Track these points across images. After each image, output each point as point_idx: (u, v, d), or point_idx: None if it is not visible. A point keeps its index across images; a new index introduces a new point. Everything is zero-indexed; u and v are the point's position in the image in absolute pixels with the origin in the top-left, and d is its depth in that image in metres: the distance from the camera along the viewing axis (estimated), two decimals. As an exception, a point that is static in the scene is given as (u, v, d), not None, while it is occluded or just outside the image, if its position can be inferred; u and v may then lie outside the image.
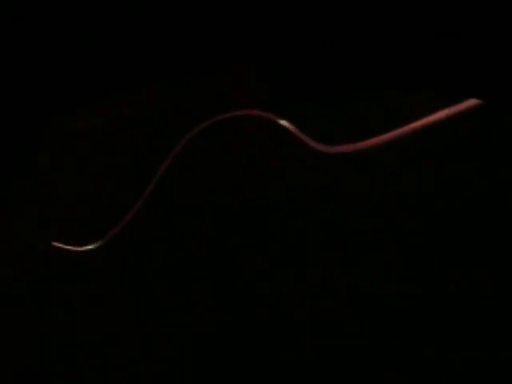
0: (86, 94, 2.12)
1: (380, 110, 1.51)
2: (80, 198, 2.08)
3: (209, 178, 1.83)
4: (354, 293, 1.44)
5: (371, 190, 1.48)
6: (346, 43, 1.55)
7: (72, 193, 2.11)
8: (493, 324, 1.25)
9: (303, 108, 1.68)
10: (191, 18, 1.91)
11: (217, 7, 1.86)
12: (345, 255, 1.49)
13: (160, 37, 1.99)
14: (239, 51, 1.85)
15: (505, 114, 1.26)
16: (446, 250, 1.35)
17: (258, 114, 1.72)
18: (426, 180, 1.41)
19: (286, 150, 1.68)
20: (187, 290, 1.74)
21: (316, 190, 1.58)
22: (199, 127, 1.82)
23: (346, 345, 1.39)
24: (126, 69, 2.07)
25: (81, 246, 2.00)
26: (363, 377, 1.35)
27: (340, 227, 1.52)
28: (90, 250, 1.96)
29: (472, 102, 1.26)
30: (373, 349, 1.36)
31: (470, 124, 1.30)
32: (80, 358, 1.77)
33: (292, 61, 1.71)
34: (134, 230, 1.92)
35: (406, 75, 1.44)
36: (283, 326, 1.51)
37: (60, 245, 2.05)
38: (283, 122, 1.65)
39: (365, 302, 1.42)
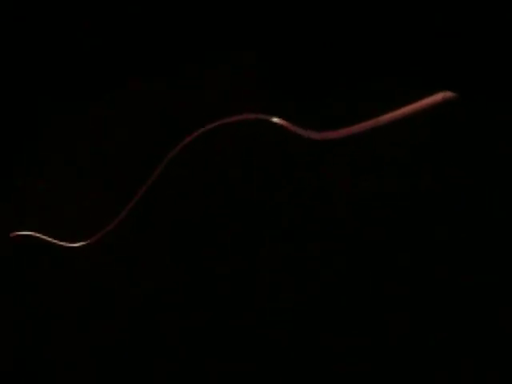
0: (86, 94, 2.13)
1: (366, 98, 1.51)
2: (79, 199, 2.08)
3: (204, 180, 1.83)
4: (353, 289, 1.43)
5: (365, 183, 1.48)
6: (332, 38, 1.55)
7: (71, 193, 2.12)
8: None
9: (292, 102, 1.68)
10: (189, 14, 1.91)
11: (216, 6, 1.86)
12: (343, 251, 1.48)
13: (160, 37, 2.00)
14: (238, 50, 1.85)
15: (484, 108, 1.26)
16: (442, 248, 1.34)
17: (250, 117, 1.72)
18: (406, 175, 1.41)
19: (279, 145, 1.68)
20: (178, 289, 1.73)
21: (312, 182, 1.58)
22: (184, 142, 1.83)
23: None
24: (126, 69, 2.08)
25: (74, 242, 2.00)
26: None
27: (338, 223, 1.51)
28: (82, 246, 1.97)
29: (448, 94, 1.26)
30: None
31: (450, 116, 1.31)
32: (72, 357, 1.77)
33: (282, 56, 1.71)
34: (127, 230, 1.93)
35: (394, 66, 1.44)
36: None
37: (54, 240, 2.06)
38: (275, 119, 1.66)
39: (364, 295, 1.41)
